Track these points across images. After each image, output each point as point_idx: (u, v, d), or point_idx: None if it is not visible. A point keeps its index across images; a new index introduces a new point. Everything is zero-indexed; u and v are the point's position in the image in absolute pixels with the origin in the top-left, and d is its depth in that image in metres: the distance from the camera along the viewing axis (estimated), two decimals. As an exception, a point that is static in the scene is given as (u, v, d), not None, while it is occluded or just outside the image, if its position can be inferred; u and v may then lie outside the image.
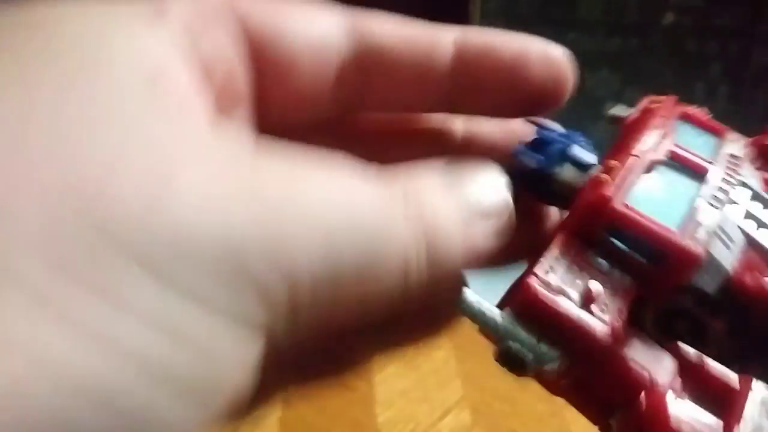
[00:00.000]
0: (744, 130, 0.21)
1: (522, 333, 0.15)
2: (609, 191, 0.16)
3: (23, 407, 0.09)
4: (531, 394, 0.51)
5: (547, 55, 0.19)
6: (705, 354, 0.17)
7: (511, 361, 0.15)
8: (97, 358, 0.10)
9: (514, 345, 0.14)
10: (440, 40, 0.18)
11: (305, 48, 0.17)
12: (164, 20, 0.15)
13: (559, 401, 0.17)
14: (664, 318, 0.17)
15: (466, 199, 0.16)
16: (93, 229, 0.10)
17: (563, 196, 0.18)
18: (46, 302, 0.10)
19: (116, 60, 0.14)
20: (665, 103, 0.20)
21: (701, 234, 0.15)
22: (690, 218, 0.16)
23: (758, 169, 0.20)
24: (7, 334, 0.10)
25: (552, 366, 0.15)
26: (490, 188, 0.17)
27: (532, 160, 0.19)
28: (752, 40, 1.00)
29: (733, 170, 0.18)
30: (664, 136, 0.18)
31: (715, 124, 0.19)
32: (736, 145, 0.19)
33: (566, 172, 0.18)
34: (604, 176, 0.16)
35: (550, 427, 0.52)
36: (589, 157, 0.19)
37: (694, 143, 0.18)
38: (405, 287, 0.15)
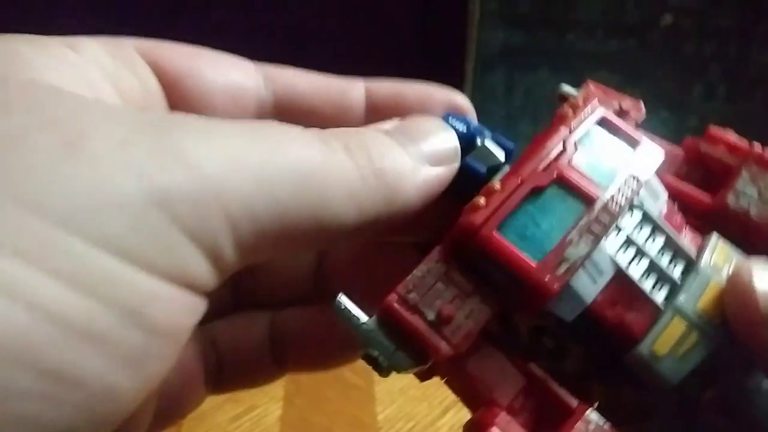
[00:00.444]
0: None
1: (383, 340, 0.16)
2: (480, 219, 0.16)
3: None
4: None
5: (449, 95, 0.21)
6: (563, 371, 0.18)
7: (371, 363, 0.16)
8: (20, 320, 0.10)
9: (373, 351, 0.16)
10: (351, 86, 0.20)
11: (220, 90, 0.19)
12: (80, 55, 0.16)
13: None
14: (532, 332, 0.18)
15: (417, 146, 0.17)
16: (11, 203, 0.11)
17: (475, 175, 0.19)
18: None
19: (57, 72, 0.14)
20: (599, 96, 0.20)
21: (563, 267, 0.16)
22: (557, 250, 0.16)
23: (683, 178, 0.20)
24: None
25: (407, 371, 0.16)
26: (440, 138, 0.18)
27: (461, 124, 0.19)
28: (751, 41, 1.01)
29: (629, 192, 0.17)
30: (566, 148, 0.18)
31: (631, 131, 0.19)
32: (648, 157, 0.18)
33: (491, 144, 0.19)
34: (482, 201, 0.17)
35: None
36: (509, 144, 0.20)
37: (596, 158, 0.18)
38: (360, 216, 0.15)
